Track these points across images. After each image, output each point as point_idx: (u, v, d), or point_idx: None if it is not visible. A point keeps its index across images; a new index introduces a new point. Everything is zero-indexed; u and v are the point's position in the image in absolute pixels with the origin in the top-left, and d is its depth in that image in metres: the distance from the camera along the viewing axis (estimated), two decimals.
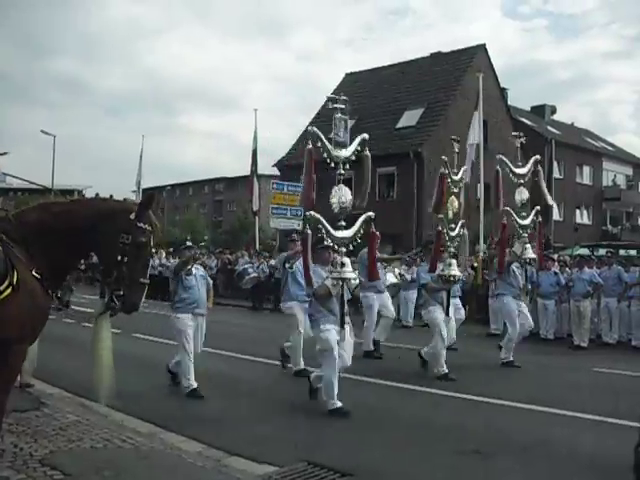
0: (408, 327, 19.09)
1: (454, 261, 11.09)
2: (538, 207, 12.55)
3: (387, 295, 13.63)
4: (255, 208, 29.16)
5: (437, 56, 41.41)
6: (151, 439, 6.90)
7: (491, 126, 34.94)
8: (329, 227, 8.34)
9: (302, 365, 10.94)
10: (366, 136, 9.22)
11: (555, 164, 45.23)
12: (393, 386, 10.19)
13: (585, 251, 17.63)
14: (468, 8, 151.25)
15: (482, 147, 19.19)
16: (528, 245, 12.37)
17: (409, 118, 37.41)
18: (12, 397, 5.07)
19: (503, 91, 41.82)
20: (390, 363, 12.42)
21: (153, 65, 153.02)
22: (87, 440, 6.58)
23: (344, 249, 8.48)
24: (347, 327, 8.48)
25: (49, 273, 4.91)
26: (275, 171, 41.69)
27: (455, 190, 11.27)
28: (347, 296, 8.65)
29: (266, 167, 41.30)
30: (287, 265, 11.41)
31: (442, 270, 11.04)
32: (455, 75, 38.29)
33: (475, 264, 19.61)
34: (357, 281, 8.91)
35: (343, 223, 8.58)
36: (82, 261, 8.23)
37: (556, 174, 45.46)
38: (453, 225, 11.09)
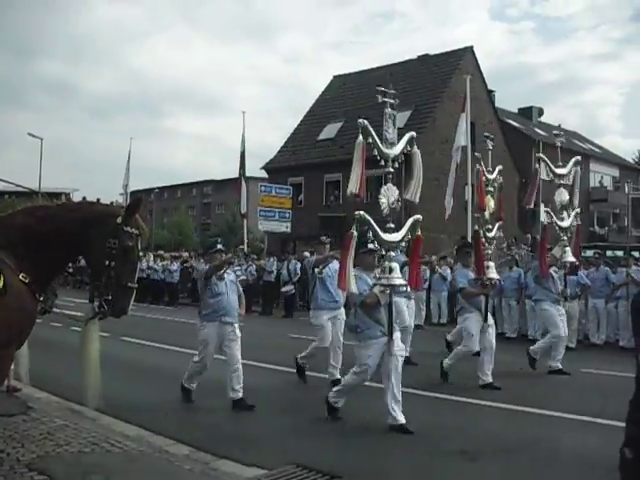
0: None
1: (492, 264, 10.59)
2: (578, 210, 12.22)
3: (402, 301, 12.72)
4: (243, 210, 29.12)
5: (424, 58, 41.56)
6: (139, 442, 6.87)
7: (478, 128, 34.96)
8: (378, 229, 7.77)
9: (307, 366, 10.80)
10: (414, 134, 8.81)
11: (543, 165, 45.27)
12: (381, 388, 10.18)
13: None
14: (456, 11, 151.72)
15: (470, 149, 19.20)
16: (568, 248, 11.86)
17: (397, 120, 37.36)
18: None
19: (490, 93, 41.98)
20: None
21: (140, 67, 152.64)
22: (75, 444, 6.55)
23: (392, 253, 7.97)
24: (397, 336, 7.94)
25: (36, 277, 4.90)
26: (263, 174, 41.72)
27: (491, 189, 10.90)
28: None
29: (254, 169, 41.36)
30: (316, 270, 10.69)
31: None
32: (442, 77, 38.40)
33: None
34: (407, 289, 8.35)
35: (392, 225, 8.01)
36: (70, 265, 8.18)
37: (543, 176, 45.47)
38: (490, 226, 10.67)
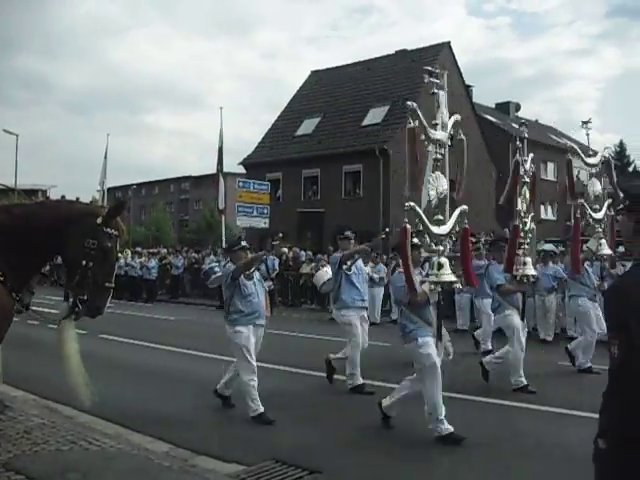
0: (376, 324, 19.21)
1: (529, 259, 9.92)
2: (610, 200, 11.31)
3: None
4: (221, 206, 28.98)
5: (402, 54, 41.55)
6: (118, 440, 6.85)
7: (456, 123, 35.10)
8: (428, 222, 7.06)
9: (360, 380, 9.83)
10: (459, 117, 8.08)
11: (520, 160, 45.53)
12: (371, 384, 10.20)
13: (550, 246, 17.68)
14: (433, 6, 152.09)
15: (447, 144, 19.26)
16: (603, 240, 11.12)
17: (374, 115, 37.50)
18: None
19: (468, 88, 42.10)
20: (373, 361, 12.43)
21: (118, 63, 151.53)
22: (52, 443, 6.52)
23: (441, 248, 7.20)
24: (445, 338, 7.54)
25: (12, 275, 4.86)
26: (241, 169, 41.61)
27: (527, 180, 10.35)
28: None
29: (232, 165, 41.24)
30: (344, 267, 10.08)
31: (516, 270, 9.80)
32: (420, 73, 38.31)
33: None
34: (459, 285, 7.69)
35: (440, 217, 7.23)
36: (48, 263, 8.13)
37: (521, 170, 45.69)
38: (526, 220, 10.07)
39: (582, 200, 11.03)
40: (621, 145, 63.63)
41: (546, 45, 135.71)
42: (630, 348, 2.72)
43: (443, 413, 7.11)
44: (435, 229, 7.09)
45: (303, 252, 27.68)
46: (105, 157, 32.93)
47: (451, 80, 27.62)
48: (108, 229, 5.03)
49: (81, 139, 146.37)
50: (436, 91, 7.76)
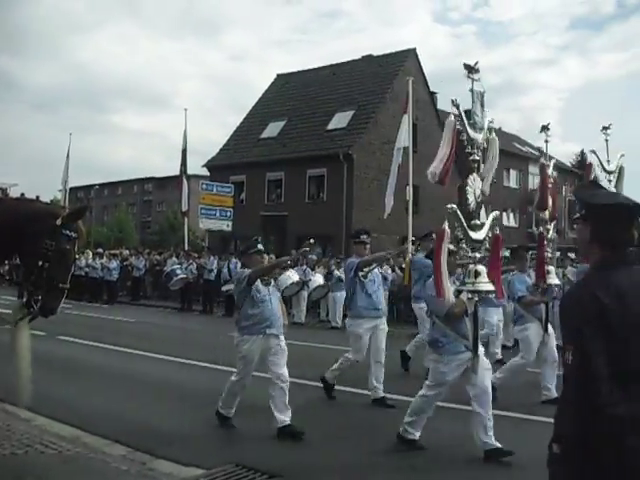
0: (337, 328, 19.26)
1: (552, 268, 9.68)
2: None
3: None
4: (184, 208, 28.91)
5: (368, 59, 41.70)
6: (75, 443, 6.76)
7: (420, 129, 35.32)
8: (467, 226, 6.62)
9: (382, 392, 9.32)
10: (492, 118, 7.42)
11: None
12: (320, 387, 10.16)
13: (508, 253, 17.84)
14: (400, 13, 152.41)
15: (411, 150, 19.33)
16: None
17: (340, 120, 37.61)
18: None
19: (433, 95, 42.35)
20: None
21: (84, 62, 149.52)
22: (7, 446, 6.41)
23: (478, 255, 6.72)
24: (481, 352, 6.89)
25: None
26: (205, 171, 41.47)
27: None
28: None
29: (196, 167, 41.14)
30: (361, 273, 9.41)
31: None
32: (386, 78, 38.61)
33: (403, 265, 19.80)
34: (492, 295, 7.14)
35: (478, 222, 6.79)
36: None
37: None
38: (548, 227, 9.82)
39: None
40: (582, 154, 64.56)
41: (510, 54, 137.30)
42: (583, 355, 2.77)
43: (418, 434, 7.05)
44: (473, 234, 6.68)
45: (266, 256, 27.57)
46: (67, 157, 32.64)
47: (416, 86, 27.93)
48: (67, 231, 4.97)
49: (46, 138, 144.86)
50: (475, 89, 7.19)
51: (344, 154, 34.54)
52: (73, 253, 5.09)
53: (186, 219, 29.36)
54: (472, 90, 7.13)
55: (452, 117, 6.82)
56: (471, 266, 6.67)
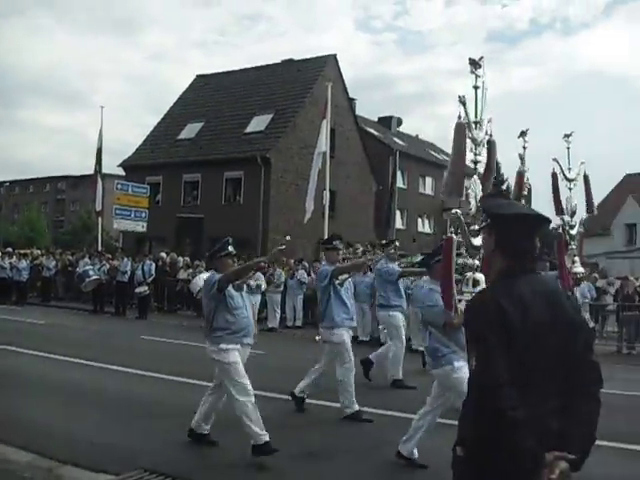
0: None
1: (577, 258, 9.78)
2: (583, 216, 10.80)
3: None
4: (98, 208, 28.41)
5: (288, 63, 41.77)
6: None
7: (339, 135, 35.56)
8: (468, 232, 6.26)
9: (357, 406, 8.75)
10: (491, 117, 6.86)
11: (399, 174, 46.76)
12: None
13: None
14: (322, 18, 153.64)
15: (329, 155, 19.46)
16: (577, 258, 10.58)
17: (258, 123, 37.54)
18: None
19: (351, 101, 42.68)
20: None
21: None
22: None
23: (477, 262, 6.41)
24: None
25: None
26: (121, 171, 40.78)
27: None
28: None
29: (112, 167, 40.39)
30: (337, 281, 8.93)
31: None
32: (305, 83, 38.74)
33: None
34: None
35: (477, 228, 6.14)
36: None
37: (400, 184, 47.01)
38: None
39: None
40: (497, 164, 66.08)
41: (428, 63, 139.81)
42: (486, 360, 2.86)
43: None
44: (474, 241, 6.27)
45: (181, 258, 27.34)
46: None
47: (335, 92, 28.14)
48: None
49: None
50: (479, 85, 6.70)
51: (262, 157, 34.48)
52: None
53: (100, 219, 28.86)
54: (475, 87, 6.76)
55: (461, 119, 6.34)
56: (469, 274, 6.44)
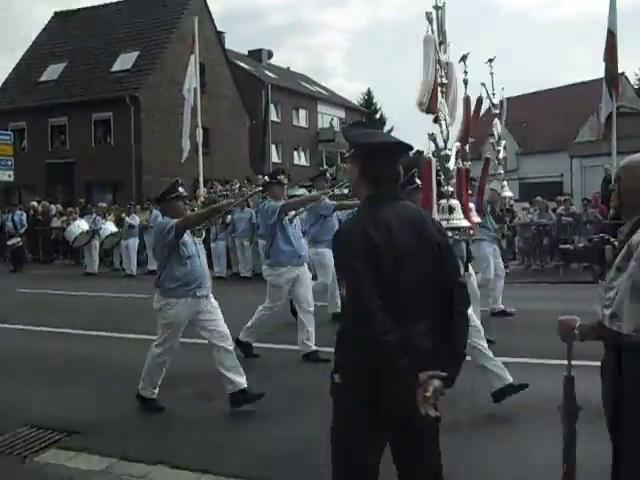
0: (132, 276, 19.04)
1: (505, 182, 9.84)
2: (505, 141, 10.25)
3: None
4: None
5: None
6: None
7: (208, 70, 34.89)
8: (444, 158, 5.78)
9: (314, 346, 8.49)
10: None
11: (272, 107, 46.50)
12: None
13: (303, 191, 18.21)
14: None
15: (199, 91, 19.04)
16: (505, 182, 10.31)
17: (124, 61, 36.36)
18: None
19: (220, 35, 41.85)
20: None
21: None
22: None
23: (451, 188, 5.79)
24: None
25: None
26: None
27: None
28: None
29: None
30: (287, 217, 8.62)
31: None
32: (171, 17, 37.68)
33: (196, 208, 19.67)
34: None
35: (449, 153, 5.75)
36: None
37: (273, 117, 46.80)
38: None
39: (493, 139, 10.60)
40: (369, 93, 66.72)
41: None
42: (356, 288, 2.94)
43: None
44: (448, 164, 5.77)
45: (53, 206, 26.47)
46: None
47: (203, 26, 27.48)
48: None
49: None
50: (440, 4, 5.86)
51: (130, 97, 33.54)
52: None
53: None
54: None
55: (429, 33, 5.76)
56: (443, 201, 5.79)
